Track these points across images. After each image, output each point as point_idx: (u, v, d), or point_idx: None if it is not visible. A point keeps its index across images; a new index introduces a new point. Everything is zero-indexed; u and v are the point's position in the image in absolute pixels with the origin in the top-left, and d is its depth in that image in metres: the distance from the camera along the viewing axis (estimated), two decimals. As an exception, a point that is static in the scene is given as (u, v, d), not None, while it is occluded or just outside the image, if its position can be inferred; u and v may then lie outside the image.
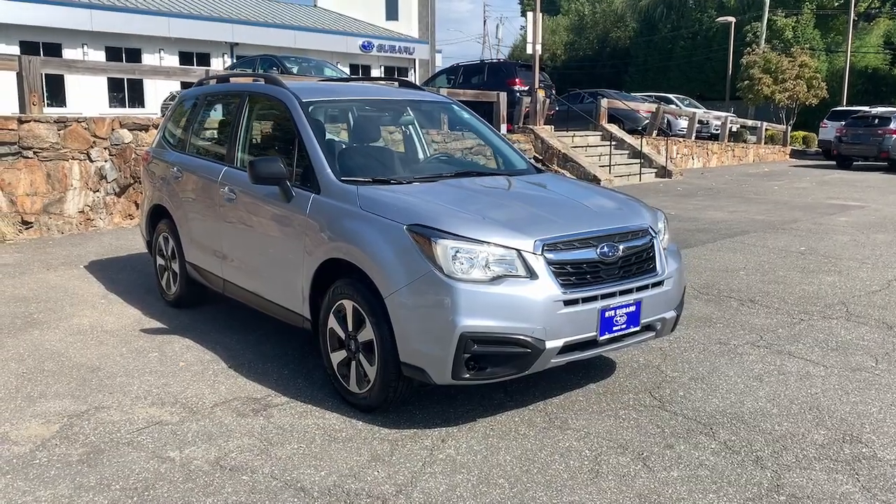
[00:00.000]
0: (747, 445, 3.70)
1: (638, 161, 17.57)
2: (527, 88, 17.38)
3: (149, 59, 29.20)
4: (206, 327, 5.57)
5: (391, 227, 3.81)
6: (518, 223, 3.84)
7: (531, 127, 16.39)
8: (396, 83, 5.95)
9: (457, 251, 3.61)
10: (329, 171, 4.34)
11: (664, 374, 4.66)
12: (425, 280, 3.62)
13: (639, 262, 4.04)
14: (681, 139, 22.01)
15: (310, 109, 4.73)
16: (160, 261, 6.23)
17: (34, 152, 8.71)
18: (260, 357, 4.94)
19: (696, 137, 23.61)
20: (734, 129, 27.04)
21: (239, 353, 5.03)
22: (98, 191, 9.38)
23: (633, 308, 3.93)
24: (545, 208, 4.19)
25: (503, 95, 15.81)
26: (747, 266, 7.81)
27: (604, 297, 3.82)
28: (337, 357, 4.17)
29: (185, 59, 30.43)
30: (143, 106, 28.42)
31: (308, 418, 4.01)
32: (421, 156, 5.43)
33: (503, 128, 15.81)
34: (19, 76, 9.13)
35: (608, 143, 17.73)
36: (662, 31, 52.00)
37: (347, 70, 35.06)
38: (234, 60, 28.40)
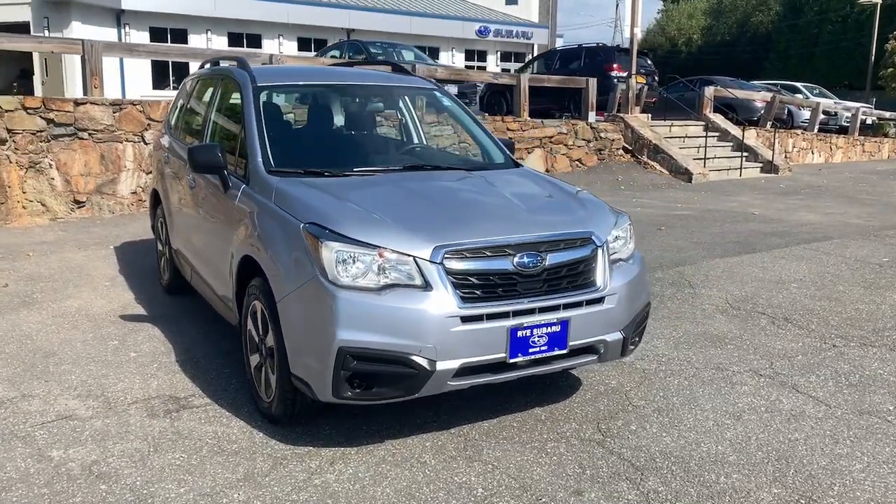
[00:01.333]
0: (670, 500, 3.13)
1: (740, 154, 16.28)
2: (625, 74, 16.47)
3: (268, 44, 30.09)
4: (185, 316, 5.47)
5: (292, 225, 3.50)
6: (426, 226, 3.42)
7: (621, 115, 15.51)
8: (390, 68, 5.57)
9: (344, 255, 3.24)
10: (259, 160, 4.06)
11: (628, 402, 4.10)
12: (310, 285, 3.28)
13: (572, 276, 3.53)
14: (799, 132, 20.25)
15: (262, 94, 4.47)
16: (159, 245, 6.20)
17: (89, 133, 8.99)
18: (213, 353, 4.77)
19: (822, 130, 21.68)
20: (868, 121, 24.66)
21: (196, 347, 4.88)
22: (150, 172, 9.59)
23: (557, 328, 3.42)
24: (472, 210, 3.73)
25: (592, 81, 15.04)
26: (805, 278, 6.92)
27: (517, 314, 3.34)
28: (253, 360, 3.91)
29: (304, 44, 31.13)
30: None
31: (212, 425, 3.78)
32: (379, 146, 5.05)
33: (592, 116, 15.07)
34: (83, 59, 9.44)
35: (710, 134, 16.54)
36: (808, 14, 48.54)
37: (462, 56, 34.88)
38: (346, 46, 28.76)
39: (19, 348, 4.83)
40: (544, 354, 3.43)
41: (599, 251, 3.64)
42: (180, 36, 28.53)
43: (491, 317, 3.29)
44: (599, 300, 3.56)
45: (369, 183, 3.98)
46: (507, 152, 4.83)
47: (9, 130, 8.40)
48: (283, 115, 4.77)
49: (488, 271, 3.34)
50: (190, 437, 3.64)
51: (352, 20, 31.79)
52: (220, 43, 28.93)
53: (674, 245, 8.29)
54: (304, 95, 5.06)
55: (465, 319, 3.24)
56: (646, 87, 16.62)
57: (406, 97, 5.31)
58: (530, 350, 3.38)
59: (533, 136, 13.58)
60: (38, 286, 6.23)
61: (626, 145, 15.23)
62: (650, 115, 16.47)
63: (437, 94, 5.15)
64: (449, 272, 3.26)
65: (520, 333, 3.33)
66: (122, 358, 4.68)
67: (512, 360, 3.35)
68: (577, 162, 14.36)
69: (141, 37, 27.43)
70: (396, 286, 3.23)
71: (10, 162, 8.40)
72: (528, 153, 13.37)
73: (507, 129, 13.16)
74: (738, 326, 5.45)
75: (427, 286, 3.23)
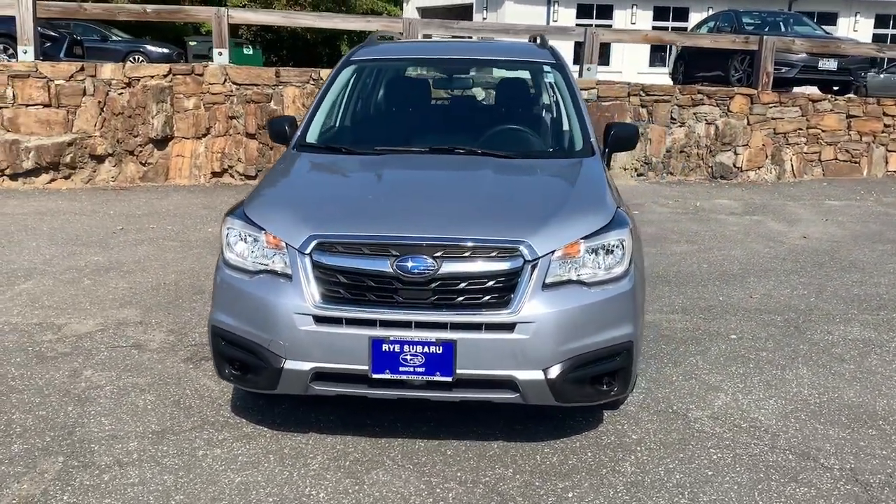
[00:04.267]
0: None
1: None
2: None
3: (696, 18, 28.81)
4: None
5: None
6: (317, 214, 3.19)
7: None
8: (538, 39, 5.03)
9: (233, 235, 3.19)
10: (298, 134, 4.14)
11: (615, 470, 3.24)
12: (219, 261, 3.30)
13: (475, 292, 2.92)
14: None
15: (346, 69, 4.52)
16: None
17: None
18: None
19: None
20: None
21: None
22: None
23: (438, 350, 2.88)
24: (418, 203, 3.35)
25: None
26: None
27: (385, 324, 2.90)
28: None
29: (660, 14, 28.87)
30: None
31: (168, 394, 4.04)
32: (429, 125, 4.56)
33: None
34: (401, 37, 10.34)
35: None
36: None
37: (870, 23, 28.64)
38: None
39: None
40: (422, 377, 2.92)
41: (527, 268, 2.93)
42: (606, 12, 28.98)
43: (351, 322, 2.92)
44: (507, 327, 2.88)
45: (362, 164, 3.77)
46: (590, 141, 4.06)
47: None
48: (357, 90, 4.71)
49: (361, 271, 2.96)
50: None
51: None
52: (644, 19, 28.58)
53: None
54: (397, 70, 4.92)
55: (320, 320, 2.94)
56: None
57: (516, 71, 4.82)
58: (401, 369, 2.92)
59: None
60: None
61: None
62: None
63: (546, 69, 4.54)
64: (316, 265, 2.98)
65: (385, 347, 2.90)
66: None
67: (377, 376, 2.94)
68: None
69: (568, 14, 28.60)
70: (267, 272, 3.08)
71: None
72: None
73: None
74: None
75: (289, 277, 2.99)
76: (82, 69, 9.28)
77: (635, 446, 3.41)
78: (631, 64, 27.52)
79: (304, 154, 3.95)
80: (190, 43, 24.84)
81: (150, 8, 10.13)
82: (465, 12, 28.73)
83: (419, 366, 2.91)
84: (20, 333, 4.65)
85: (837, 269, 6.45)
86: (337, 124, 4.37)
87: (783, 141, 10.78)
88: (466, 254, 2.96)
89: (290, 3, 28.00)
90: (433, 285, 2.92)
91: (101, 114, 9.29)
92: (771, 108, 10.64)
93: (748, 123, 10.56)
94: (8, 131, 9.10)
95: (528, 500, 2.96)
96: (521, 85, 4.92)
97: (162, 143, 9.57)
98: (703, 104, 10.48)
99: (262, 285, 3.06)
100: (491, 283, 2.94)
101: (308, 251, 3.01)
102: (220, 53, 9.88)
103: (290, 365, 2.99)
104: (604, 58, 28.76)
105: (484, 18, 28.10)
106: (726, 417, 3.72)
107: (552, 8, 28.85)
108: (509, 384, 2.96)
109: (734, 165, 10.61)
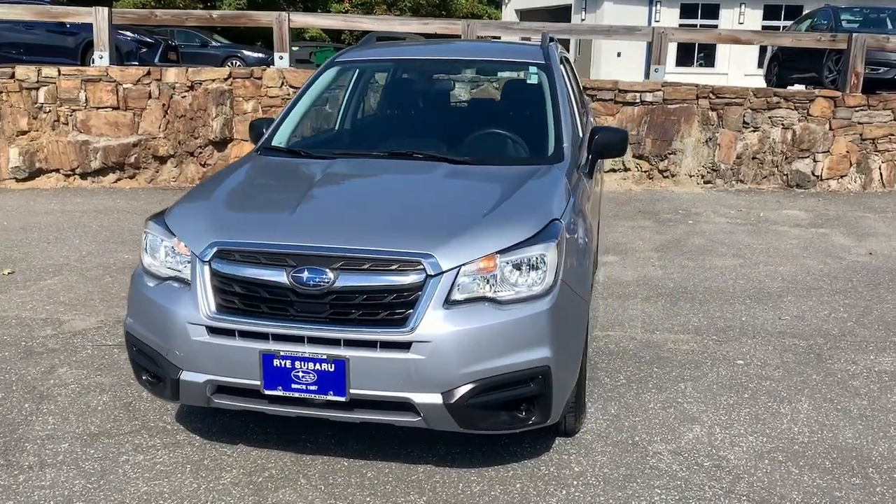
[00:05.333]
0: None
1: None
2: None
3: (726, 15, 27.22)
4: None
5: None
6: (225, 222, 3.10)
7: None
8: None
9: (149, 239, 3.16)
10: (265, 136, 4.08)
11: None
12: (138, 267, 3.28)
13: (371, 307, 2.74)
14: None
15: (329, 70, 4.44)
16: None
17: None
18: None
19: None
20: None
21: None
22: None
23: (330, 367, 2.73)
24: (331, 209, 3.27)
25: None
26: None
27: (277, 338, 2.77)
28: None
29: (771, 13, 27.08)
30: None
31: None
32: (393, 129, 4.34)
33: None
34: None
35: None
36: None
37: None
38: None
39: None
40: (315, 396, 2.77)
41: (430, 282, 2.73)
42: (712, 12, 27.81)
43: (245, 335, 2.81)
44: (402, 346, 2.69)
45: (307, 169, 3.68)
46: (561, 147, 3.78)
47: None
48: (334, 92, 4.60)
49: (256, 281, 2.84)
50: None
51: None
52: (752, 18, 27.23)
53: None
54: (384, 71, 4.77)
55: (213, 331, 2.84)
56: None
57: (502, 73, 4.57)
58: (293, 386, 2.78)
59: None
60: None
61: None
62: None
63: (532, 69, 4.29)
64: (214, 274, 2.89)
65: (276, 362, 2.77)
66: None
67: (269, 392, 2.81)
68: None
69: (671, 14, 27.67)
70: (172, 279, 3.01)
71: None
72: None
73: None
74: None
75: (188, 285, 2.91)
76: (149, 73, 9.65)
77: (573, 480, 3.13)
78: (737, 66, 26.36)
79: (259, 157, 3.89)
80: (292, 48, 25.68)
81: (215, 13, 10.47)
82: (564, 14, 28.26)
83: (311, 383, 2.76)
84: (22, 328, 4.83)
85: (894, 290, 5.81)
86: (307, 127, 4.29)
87: (871, 147, 9.89)
88: (365, 266, 2.78)
89: (389, 8, 28.41)
90: (329, 299, 2.77)
91: (164, 116, 9.63)
92: (858, 111, 9.79)
93: (830, 128, 9.76)
94: (80, 132, 9.58)
95: (428, 532, 2.77)
96: (502, 87, 4.68)
97: (221, 144, 9.83)
98: (780, 107, 9.77)
99: (164, 292, 3.00)
100: (389, 299, 2.75)
101: (208, 259, 2.92)
102: (281, 57, 10.05)
103: (185, 376, 2.91)
104: (708, 59, 27.73)
105: (582, 20, 27.54)
106: (690, 454, 3.37)
107: (654, 8, 27.98)
108: (409, 407, 2.77)
109: (812, 173, 9.83)
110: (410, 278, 2.75)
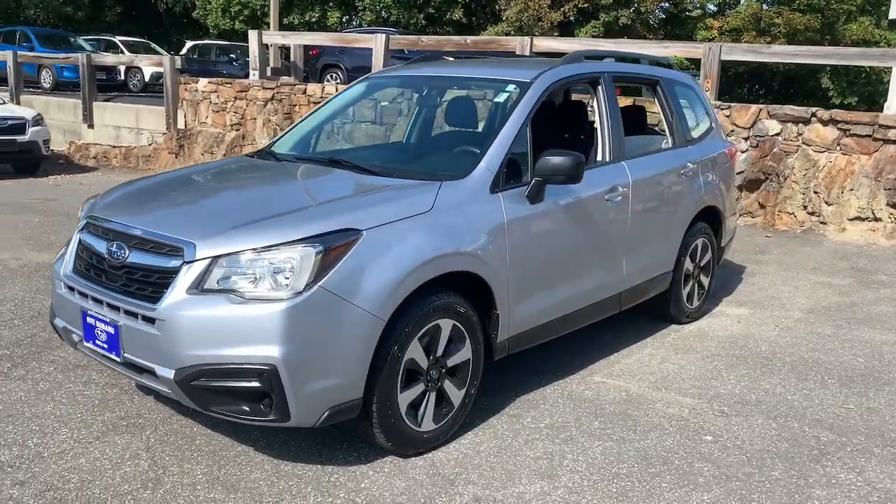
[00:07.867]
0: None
1: None
2: None
3: None
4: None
5: None
6: (111, 200, 3.70)
7: None
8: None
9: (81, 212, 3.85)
10: (274, 140, 4.66)
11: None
12: None
13: (144, 283, 3.10)
14: None
15: (359, 84, 4.88)
16: None
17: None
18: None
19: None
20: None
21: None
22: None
23: (111, 330, 3.15)
24: (189, 199, 3.75)
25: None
26: None
27: (93, 298, 3.26)
28: None
29: None
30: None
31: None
32: (357, 138, 4.36)
33: None
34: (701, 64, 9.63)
35: None
36: None
37: None
38: None
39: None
40: (106, 353, 3.21)
41: (184, 267, 2.99)
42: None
43: (77, 293, 3.37)
44: (150, 321, 3.01)
45: (238, 167, 4.36)
46: (478, 163, 3.65)
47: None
48: (349, 104, 4.92)
49: (91, 249, 3.40)
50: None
51: None
52: None
53: None
54: (383, 88, 4.93)
55: (68, 286, 3.44)
56: None
57: (487, 90, 4.50)
58: (96, 342, 3.25)
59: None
60: None
61: None
62: None
63: (510, 87, 4.13)
64: (80, 242, 3.50)
65: (88, 319, 3.29)
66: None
67: (86, 344, 3.32)
68: None
69: None
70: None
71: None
72: None
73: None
74: None
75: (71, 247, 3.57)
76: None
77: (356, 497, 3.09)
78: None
79: (240, 158, 4.44)
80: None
81: (469, 39, 11.33)
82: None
83: (104, 342, 3.20)
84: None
85: None
86: (305, 133, 4.66)
87: None
88: (148, 247, 3.15)
89: (759, 35, 25.73)
90: (122, 271, 3.18)
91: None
92: None
93: None
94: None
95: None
96: (468, 105, 4.62)
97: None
98: None
99: (64, 254, 3.66)
100: (154, 277, 3.08)
101: (81, 228, 3.54)
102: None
103: (56, 322, 3.57)
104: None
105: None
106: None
107: None
108: (152, 374, 3.09)
109: None
110: (172, 262, 3.04)
